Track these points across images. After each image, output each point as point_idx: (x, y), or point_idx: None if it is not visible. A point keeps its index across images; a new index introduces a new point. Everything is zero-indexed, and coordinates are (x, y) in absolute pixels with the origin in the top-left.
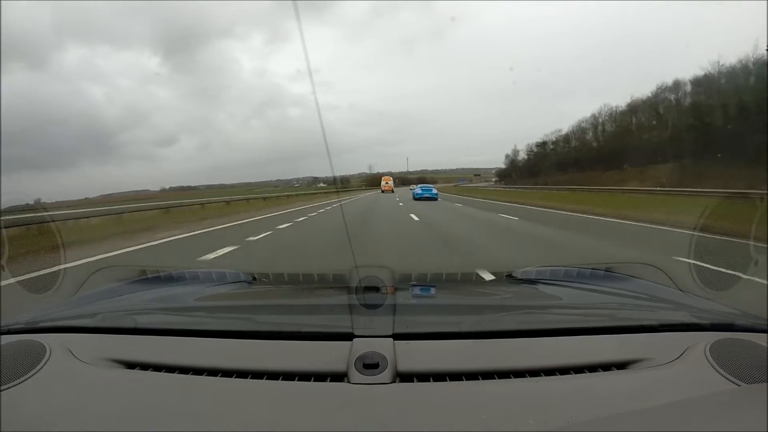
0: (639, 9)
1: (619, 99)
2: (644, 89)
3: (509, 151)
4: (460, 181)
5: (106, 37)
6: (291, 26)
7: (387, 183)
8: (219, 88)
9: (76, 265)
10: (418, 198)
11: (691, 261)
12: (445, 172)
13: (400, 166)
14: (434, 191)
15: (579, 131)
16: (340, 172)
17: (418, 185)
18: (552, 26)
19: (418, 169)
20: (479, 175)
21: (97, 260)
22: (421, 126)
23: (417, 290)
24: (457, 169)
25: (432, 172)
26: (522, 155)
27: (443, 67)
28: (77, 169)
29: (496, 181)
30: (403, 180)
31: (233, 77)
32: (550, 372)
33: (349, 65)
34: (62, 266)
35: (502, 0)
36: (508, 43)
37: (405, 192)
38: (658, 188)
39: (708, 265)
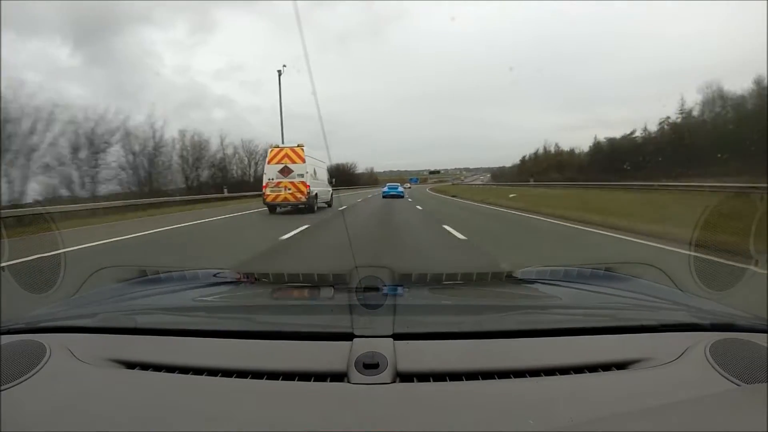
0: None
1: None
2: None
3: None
4: (411, 180)
5: (9, 20)
6: (218, 15)
7: (280, 181)
8: (137, 85)
9: None
10: (386, 195)
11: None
12: (377, 174)
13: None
14: (400, 189)
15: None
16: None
17: (387, 184)
18: (493, 28)
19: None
20: (438, 171)
21: None
22: (347, 129)
23: (417, 290)
24: (384, 171)
25: (358, 175)
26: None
27: (377, 69)
28: None
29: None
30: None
31: (153, 71)
32: (550, 372)
33: (279, 63)
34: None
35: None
36: (447, 47)
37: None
38: None
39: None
